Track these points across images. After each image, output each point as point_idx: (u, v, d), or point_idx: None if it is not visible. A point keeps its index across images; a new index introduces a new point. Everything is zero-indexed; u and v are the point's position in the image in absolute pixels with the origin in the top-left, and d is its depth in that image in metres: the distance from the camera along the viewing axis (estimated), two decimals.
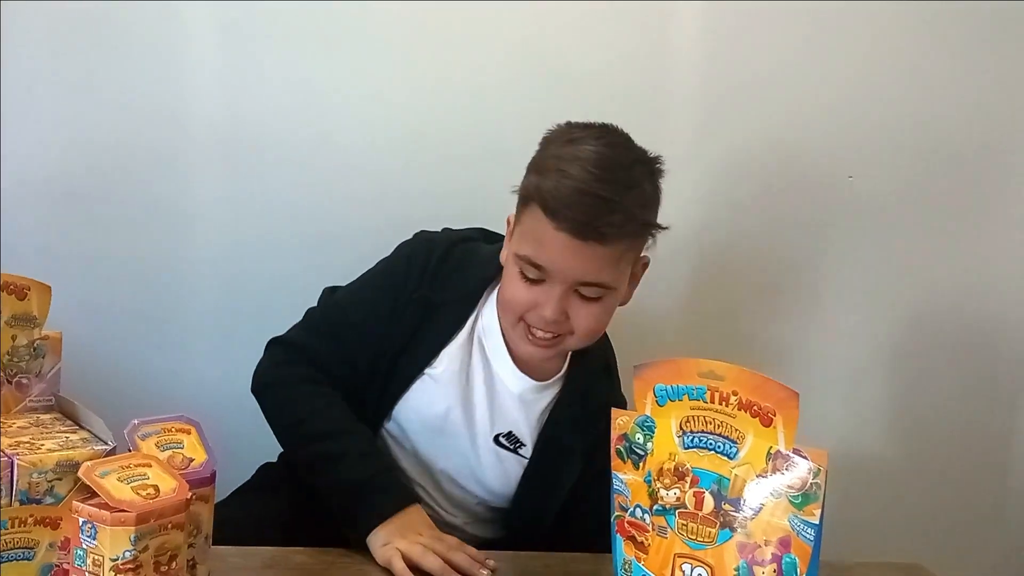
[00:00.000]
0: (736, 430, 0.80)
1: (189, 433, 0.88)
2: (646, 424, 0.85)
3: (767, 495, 0.77)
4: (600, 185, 0.97)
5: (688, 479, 0.82)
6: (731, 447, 0.80)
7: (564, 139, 1.03)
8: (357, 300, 1.13)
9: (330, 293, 1.17)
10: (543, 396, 1.14)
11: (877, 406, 1.48)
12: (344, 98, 1.41)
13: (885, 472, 1.42)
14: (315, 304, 1.17)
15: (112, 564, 0.73)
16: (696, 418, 0.82)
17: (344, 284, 1.16)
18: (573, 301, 1.03)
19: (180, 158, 1.40)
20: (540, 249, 1.00)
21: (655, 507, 0.84)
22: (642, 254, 1.08)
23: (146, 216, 1.40)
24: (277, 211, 1.42)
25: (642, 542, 0.85)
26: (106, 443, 0.82)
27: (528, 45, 1.40)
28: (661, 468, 0.84)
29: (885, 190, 1.48)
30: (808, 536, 0.75)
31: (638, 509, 0.85)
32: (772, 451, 0.77)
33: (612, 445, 0.88)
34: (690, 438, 0.82)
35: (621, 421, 0.87)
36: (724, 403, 0.80)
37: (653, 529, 0.84)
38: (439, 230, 1.17)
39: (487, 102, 1.41)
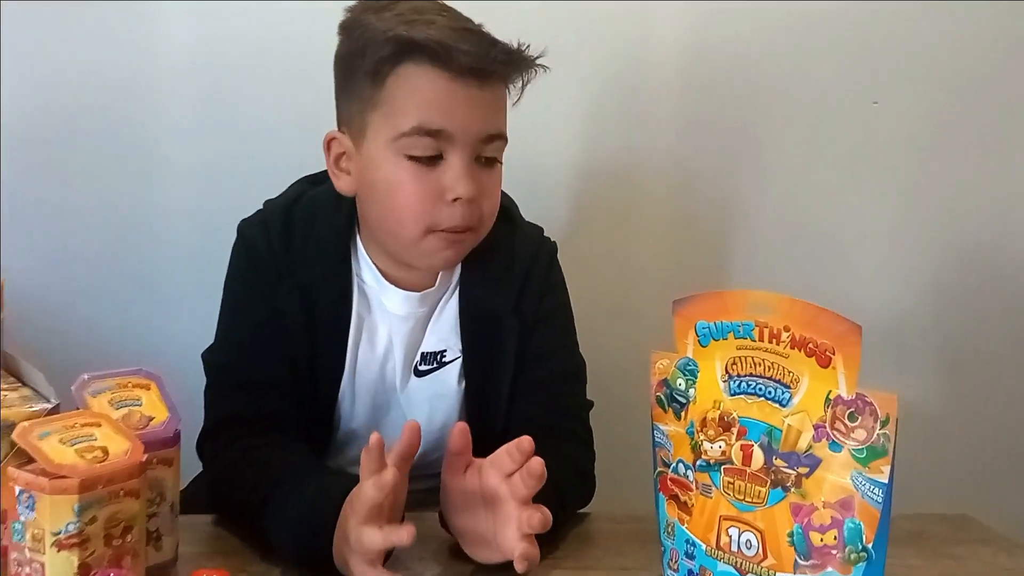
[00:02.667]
0: (789, 372, 0.68)
1: (148, 389, 0.76)
2: (688, 368, 0.73)
3: (826, 448, 0.65)
4: (467, 23, 0.86)
5: (735, 430, 0.70)
6: (783, 392, 0.68)
7: (378, 7, 0.87)
8: (237, 340, 0.92)
9: (208, 357, 0.95)
10: (441, 301, 0.97)
11: (917, 349, 1.36)
12: (324, 25, 1.27)
13: (930, 420, 1.32)
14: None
15: (54, 539, 0.62)
16: (743, 359, 0.70)
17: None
18: (477, 172, 0.87)
19: (151, 95, 1.28)
20: (435, 110, 0.84)
21: (699, 462, 0.72)
22: None
23: (115, 159, 1.29)
24: (256, 149, 1.29)
25: (685, 502, 0.73)
26: (48, 400, 0.70)
27: None
28: (704, 418, 0.72)
29: (912, 115, 1.35)
30: (875, 497, 0.64)
31: (680, 464, 0.74)
32: (831, 396, 0.65)
33: (652, 392, 0.76)
34: (737, 383, 0.70)
35: (661, 365, 0.75)
36: (775, 340, 0.68)
37: (697, 487, 0.72)
38: (258, 210, 0.99)
39: None
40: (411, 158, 0.85)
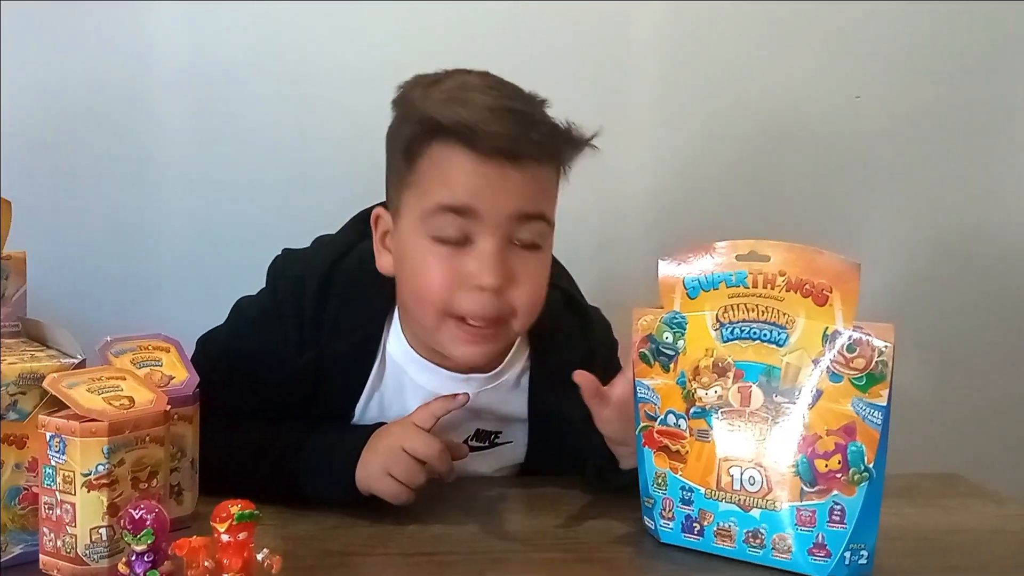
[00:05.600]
0: (784, 314, 0.71)
1: (168, 351, 0.78)
2: (675, 321, 0.77)
3: (826, 380, 0.69)
4: (511, 101, 0.81)
5: (731, 374, 0.73)
6: (779, 333, 0.72)
7: (428, 82, 0.84)
8: (233, 380, 0.86)
9: (201, 347, 0.92)
10: (501, 381, 0.91)
11: (901, 337, 1.39)
12: (321, 31, 1.31)
13: (918, 389, 1.36)
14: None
15: (84, 480, 0.64)
16: (736, 307, 0.74)
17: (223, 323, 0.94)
18: (510, 258, 0.81)
19: (147, 99, 1.29)
20: (460, 188, 0.79)
21: (692, 410, 0.75)
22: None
23: (110, 162, 1.29)
24: (251, 154, 1.31)
25: (677, 451, 0.76)
26: (74, 357, 0.72)
27: None
28: (697, 367, 0.75)
29: (894, 111, 1.41)
30: (875, 420, 0.67)
31: (670, 415, 0.76)
32: (829, 332, 0.69)
33: (633, 350, 0.79)
34: (730, 330, 0.74)
35: (644, 321, 0.78)
36: (770, 286, 0.72)
37: (691, 434, 0.75)
38: (308, 247, 0.95)
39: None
40: (438, 240, 0.80)
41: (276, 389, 0.86)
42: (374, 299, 0.88)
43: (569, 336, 0.93)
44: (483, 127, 0.78)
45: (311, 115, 1.32)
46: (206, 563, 0.59)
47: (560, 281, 0.94)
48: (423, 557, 0.73)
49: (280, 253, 0.94)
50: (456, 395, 0.84)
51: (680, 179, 1.38)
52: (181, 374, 0.77)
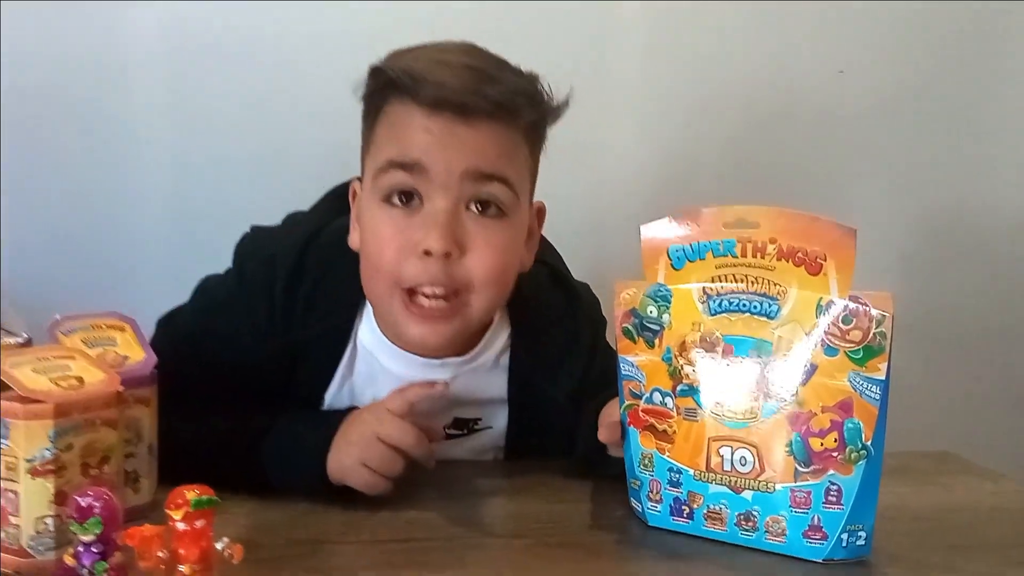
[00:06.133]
0: (775, 285, 0.68)
1: (123, 330, 0.73)
2: (659, 294, 0.73)
3: (821, 354, 0.66)
4: (472, 60, 0.77)
5: (719, 349, 0.70)
6: (771, 305, 0.68)
7: (406, 48, 0.79)
8: (195, 363, 0.79)
9: (163, 328, 0.86)
10: (478, 363, 0.86)
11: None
12: (296, 5, 1.26)
13: (906, 371, 1.34)
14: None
15: (29, 466, 0.59)
16: (724, 278, 0.70)
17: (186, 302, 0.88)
18: (466, 223, 0.75)
19: (120, 78, 1.25)
20: (409, 142, 0.74)
21: (679, 387, 0.71)
22: (536, 196, 0.83)
23: (84, 141, 1.24)
24: (228, 128, 1.26)
25: (664, 430, 0.72)
26: (18, 335, 0.67)
27: None
28: (683, 342, 0.71)
29: (879, 87, 1.38)
30: (873, 395, 0.64)
31: (656, 393, 0.73)
32: (823, 303, 0.66)
33: (616, 324, 0.75)
34: (717, 302, 0.70)
35: (627, 295, 0.74)
36: (759, 255, 0.68)
37: (679, 413, 0.71)
38: (279, 225, 0.89)
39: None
40: (388, 201, 0.76)
41: (241, 375, 0.81)
42: (348, 281, 0.82)
43: (555, 313, 0.88)
44: (428, 77, 0.73)
45: (289, 91, 1.27)
46: (160, 554, 0.54)
47: (546, 256, 0.89)
48: (397, 544, 0.68)
49: (248, 231, 0.89)
50: (434, 383, 0.78)
51: (666, 156, 1.35)
52: (137, 354, 0.72)
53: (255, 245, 0.86)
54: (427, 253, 0.74)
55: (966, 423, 1.40)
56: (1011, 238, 1.44)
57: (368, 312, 0.84)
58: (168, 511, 0.55)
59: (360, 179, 0.82)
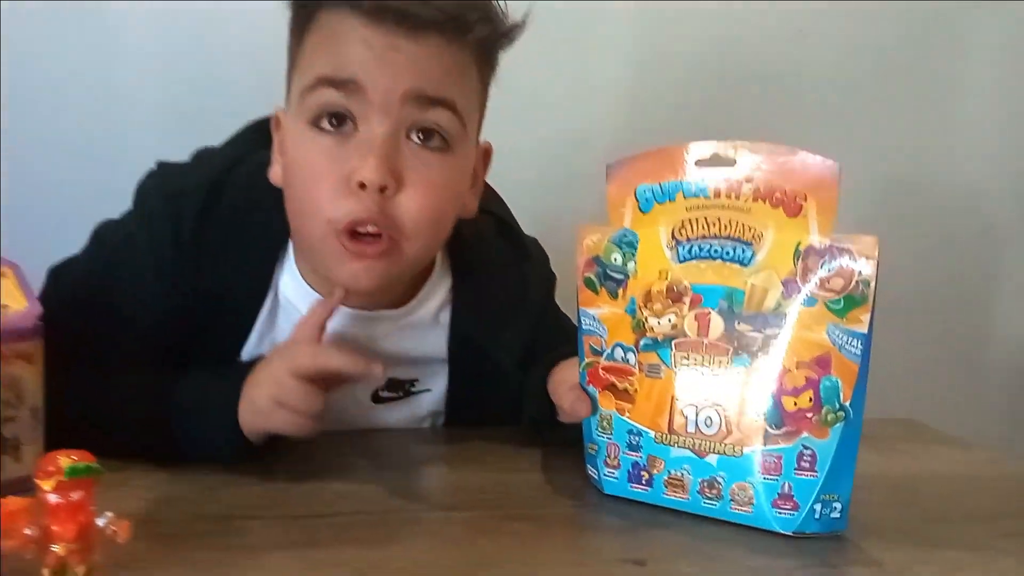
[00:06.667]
0: (750, 229, 0.61)
1: (4, 277, 0.63)
2: (625, 240, 0.65)
3: (797, 304, 0.59)
4: None
5: (687, 299, 0.63)
6: (744, 251, 0.61)
7: None
8: (90, 318, 0.69)
9: (53, 279, 0.76)
10: (415, 318, 0.78)
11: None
12: None
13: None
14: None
15: None
16: (695, 221, 0.63)
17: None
18: (405, 154, 0.66)
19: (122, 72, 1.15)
20: (343, 56, 0.65)
21: (642, 342, 0.64)
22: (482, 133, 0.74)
23: (87, 139, 1.15)
24: (229, 130, 1.17)
25: (625, 389, 0.65)
26: None
27: None
28: (648, 292, 0.64)
29: (839, 47, 1.33)
30: (854, 350, 0.58)
31: (618, 349, 0.66)
32: (802, 247, 0.59)
33: (579, 273, 0.68)
34: (687, 248, 0.63)
35: (590, 241, 0.67)
36: (733, 195, 0.61)
37: (641, 370, 0.64)
38: (187, 161, 0.78)
39: None
40: (317, 126, 0.66)
41: (143, 329, 0.71)
42: (268, 223, 0.72)
43: (500, 266, 0.80)
44: None
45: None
46: (27, 531, 0.45)
47: (492, 206, 0.81)
48: (321, 520, 0.60)
49: (152, 167, 0.77)
50: (334, 292, 0.69)
51: (627, 116, 1.29)
52: (19, 303, 0.62)
53: (159, 181, 0.75)
54: (361, 186, 0.64)
55: (920, 390, 1.37)
56: (967, 205, 1.42)
57: (291, 259, 0.74)
58: (37, 481, 0.46)
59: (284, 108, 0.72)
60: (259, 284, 0.74)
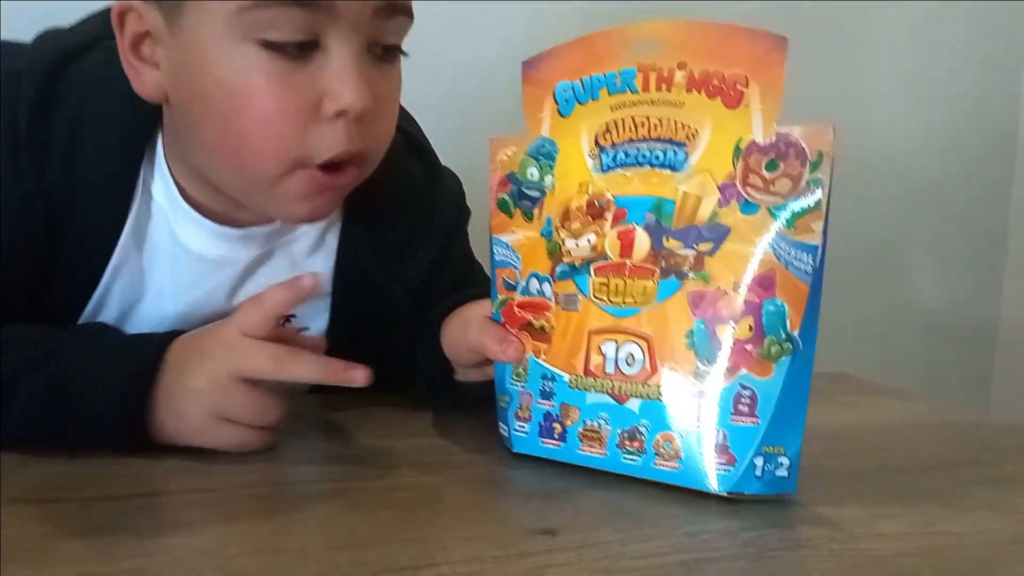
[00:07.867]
0: (684, 127, 0.50)
1: None
2: (543, 151, 0.55)
3: (736, 213, 0.48)
4: None
5: (609, 215, 0.52)
6: (676, 153, 0.50)
7: None
8: None
9: None
10: (294, 238, 0.68)
11: None
12: None
13: None
14: None
15: None
16: (621, 123, 0.52)
17: None
18: (371, 73, 0.57)
19: None
20: None
21: (558, 269, 0.54)
22: None
23: None
24: None
25: (541, 327, 0.55)
26: None
27: None
28: (567, 209, 0.54)
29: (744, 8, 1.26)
30: (803, 267, 0.47)
31: (533, 280, 0.55)
32: (743, 144, 0.48)
33: (492, 194, 0.57)
34: (611, 155, 0.52)
35: (504, 156, 0.56)
36: (664, 86, 0.51)
37: (557, 302, 0.54)
38: (29, 41, 0.65)
39: None
40: (268, 45, 0.53)
41: None
42: (129, 115, 0.60)
43: (407, 188, 0.70)
44: None
45: None
46: None
47: (400, 122, 0.68)
48: (141, 499, 0.47)
49: None
50: (300, 277, 0.55)
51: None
52: None
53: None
54: (340, 114, 0.55)
55: (850, 347, 1.33)
56: (891, 162, 1.43)
57: (160, 161, 0.62)
58: None
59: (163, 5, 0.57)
60: (123, 185, 0.61)
